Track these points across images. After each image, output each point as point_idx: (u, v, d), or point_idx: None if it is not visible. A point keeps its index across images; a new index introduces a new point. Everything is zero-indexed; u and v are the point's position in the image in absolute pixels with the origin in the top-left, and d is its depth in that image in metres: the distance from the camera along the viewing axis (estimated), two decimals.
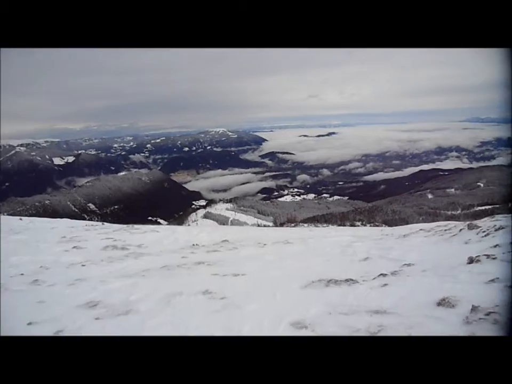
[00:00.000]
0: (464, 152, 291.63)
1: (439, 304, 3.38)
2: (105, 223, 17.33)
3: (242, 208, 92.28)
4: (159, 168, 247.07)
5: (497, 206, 72.76)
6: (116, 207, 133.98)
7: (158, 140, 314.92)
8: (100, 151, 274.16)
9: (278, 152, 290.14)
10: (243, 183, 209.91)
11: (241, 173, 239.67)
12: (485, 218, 10.00)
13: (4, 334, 2.76)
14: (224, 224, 62.67)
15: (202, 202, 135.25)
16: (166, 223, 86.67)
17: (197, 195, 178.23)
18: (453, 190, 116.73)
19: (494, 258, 4.84)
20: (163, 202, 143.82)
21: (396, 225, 21.71)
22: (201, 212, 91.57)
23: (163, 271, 5.69)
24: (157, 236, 11.21)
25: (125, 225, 13.74)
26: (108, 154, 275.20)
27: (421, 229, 11.62)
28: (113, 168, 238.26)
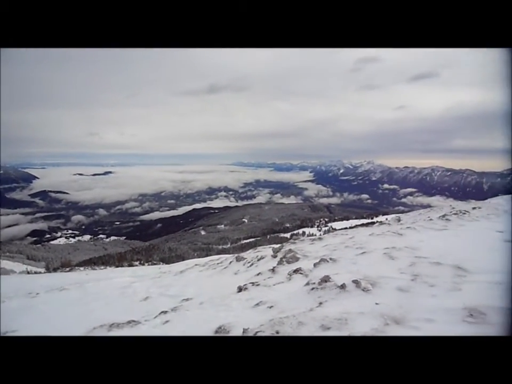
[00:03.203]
0: (231, 192, 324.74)
1: (216, 332, 3.67)
2: None
3: (8, 254, 78.62)
4: None
5: (259, 238, 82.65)
6: None
7: None
8: None
9: (51, 191, 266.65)
10: (9, 226, 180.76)
11: (8, 214, 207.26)
12: (250, 251, 11.30)
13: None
14: None
15: None
16: None
17: None
18: (222, 226, 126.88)
19: (257, 285, 5.53)
20: None
21: (173, 262, 22.27)
22: None
23: None
24: None
25: None
26: None
27: (196, 264, 12.28)
28: None
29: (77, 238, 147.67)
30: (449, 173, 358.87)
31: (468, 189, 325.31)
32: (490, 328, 2.86)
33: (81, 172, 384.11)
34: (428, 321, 3.13)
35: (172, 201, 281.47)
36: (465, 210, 11.80)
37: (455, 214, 11.14)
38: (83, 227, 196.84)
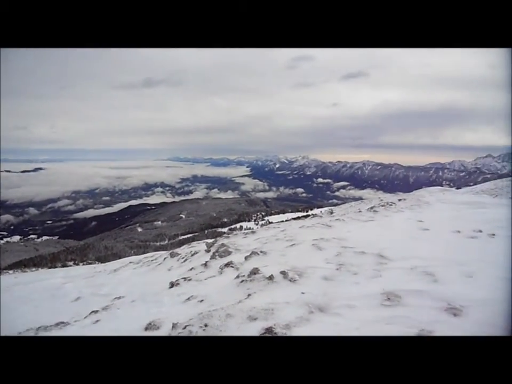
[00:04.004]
0: (168, 188, 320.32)
1: (146, 328, 3.65)
2: None
3: None
4: None
5: (197, 233, 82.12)
6: None
7: None
8: None
9: None
10: None
11: None
12: (184, 246, 11.22)
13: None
14: None
15: None
16: None
17: None
18: (160, 222, 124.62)
19: (189, 280, 5.51)
20: None
21: (109, 261, 21.64)
22: None
23: None
24: None
25: None
26: None
27: (130, 262, 12.03)
28: None
29: (5, 239, 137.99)
30: (379, 167, 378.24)
31: (396, 182, 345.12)
32: (405, 309, 3.08)
33: (9, 168, 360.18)
34: (349, 307, 3.30)
35: (107, 198, 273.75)
36: (391, 202, 12.44)
37: (382, 205, 11.71)
38: (12, 227, 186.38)
